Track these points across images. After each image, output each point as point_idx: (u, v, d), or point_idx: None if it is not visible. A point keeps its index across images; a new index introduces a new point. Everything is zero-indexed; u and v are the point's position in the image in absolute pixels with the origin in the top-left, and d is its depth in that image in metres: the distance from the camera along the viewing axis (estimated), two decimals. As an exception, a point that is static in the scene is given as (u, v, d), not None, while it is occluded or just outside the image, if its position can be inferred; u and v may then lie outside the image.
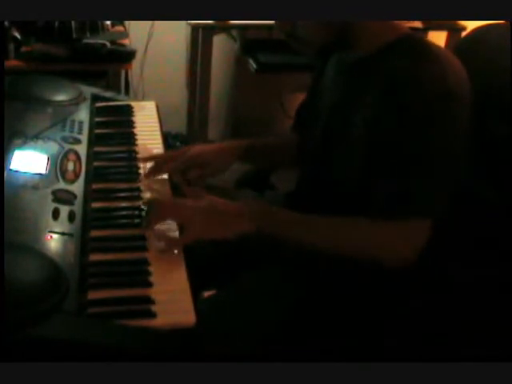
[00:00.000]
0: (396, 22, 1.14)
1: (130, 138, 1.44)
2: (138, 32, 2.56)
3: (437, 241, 1.13)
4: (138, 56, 2.39)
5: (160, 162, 1.33)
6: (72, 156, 1.27)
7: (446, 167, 1.07)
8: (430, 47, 1.10)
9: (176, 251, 1.07)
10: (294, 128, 1.44)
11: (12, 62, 2.07)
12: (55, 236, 1.03)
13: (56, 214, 1.08)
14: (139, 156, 1.36)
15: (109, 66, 2.23)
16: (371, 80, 1.12)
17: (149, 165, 1.32)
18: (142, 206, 1.17)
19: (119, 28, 2.40)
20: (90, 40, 2.15)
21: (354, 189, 1.15)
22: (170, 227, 1.12)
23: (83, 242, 1.05)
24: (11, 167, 1.17)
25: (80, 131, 1.38)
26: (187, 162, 1.33)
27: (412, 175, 1.06)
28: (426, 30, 2.43)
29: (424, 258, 1.11)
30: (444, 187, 1.08)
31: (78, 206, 1.13)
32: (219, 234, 1.10)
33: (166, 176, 1.31)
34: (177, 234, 1.12)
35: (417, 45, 1.10)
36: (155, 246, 1.07)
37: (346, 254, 1.08)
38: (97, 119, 1.49)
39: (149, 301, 0.96)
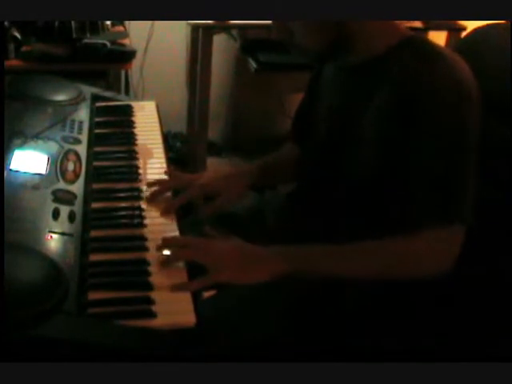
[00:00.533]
0: (395, 24, 1.14)
1: (130, 138, 1.44)
2: (138, 32, 2.56)
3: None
4: (138, 56, 2.39)
5: (166, 189, 1.26)
6: (72, 156, 1.27)
7: (469, 167, 1.06)
8: (437, 48, 1.10)
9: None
10: (293, 128, 1.43)
11: (12, 62, 2.07)
12: (55, 236, 1.03)
13: (56, 214, 1.08)
14: (144, 180, 1.28)
15: (109, 66, 2.23)
16: (379, 82, 1.11)
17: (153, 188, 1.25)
18: (161, 244, 1.07)
19: (119, 28, 2.40)
20: (89, 40, 2.15)
21: (364, 190, 1.14)
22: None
23: (83, 241, 1.05)
24: (11, 167, 1.16)
25: (80, 131, 1.38)
26: (196, 193, 1.27)
27: (445, 180, 1.04)
28: (426, 29, 2.43)
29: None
30: (472, 186, 1.05)
31: (77, 206, 1.13)
32: (248, 280, 1.05)
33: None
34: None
35: (423, 46, 1.10)
36: (164, 281, 1.00)
37: (386, 277, 1.06)
38: (97, 119, 1.49)
39: (149, 301, 0.95)
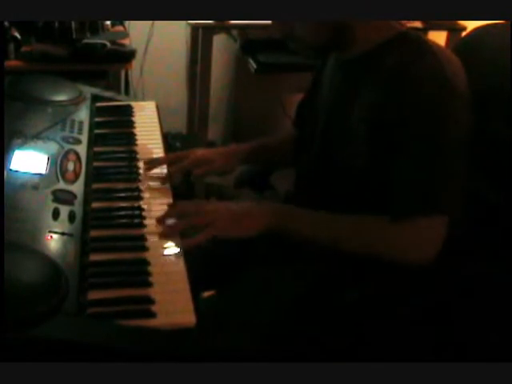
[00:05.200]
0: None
1: (130, 138, 1.44)
2: (138, 32, 2.57)
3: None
4: (138, 56, 2.39)
5: (163, 162, 1.32)
6: (72, 156, 1.27)
7: (451, 163, 1.07)
8: (427, 44, 1.10)
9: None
10: (294, 126, 1.44)
11: (12, 62, 2.08)
12: (55, 236, 1.03)
13: (56, 214, 1.08)
14: (142, 159, 1.34)
15: (109, 66, 2.23)
16: (368, 78, 1.12)
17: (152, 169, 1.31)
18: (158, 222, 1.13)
19: (119, 28, 2.41)
20: (89, 40, 2.16)
21: (355, 186, 1.14)
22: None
23: (83, 242, 1.05)
24: (11, 167, 1.16)
25: (80, 131, 1.38)
26: (192, 162, 1.33)
27: (426, 177, 1.05)
28: (425, 29, 2.44)
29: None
30: (457, 182, 1.07)
31: (77, 206, 1.13)
32: (241, 232, 1.10)
33: (165, 170, 1.32)
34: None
35: (414, 42, 1.11)
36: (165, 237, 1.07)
37: (367, 253, 1.08)
38: (97, 119, 1.49)
39: (149, 301, 0.95)
